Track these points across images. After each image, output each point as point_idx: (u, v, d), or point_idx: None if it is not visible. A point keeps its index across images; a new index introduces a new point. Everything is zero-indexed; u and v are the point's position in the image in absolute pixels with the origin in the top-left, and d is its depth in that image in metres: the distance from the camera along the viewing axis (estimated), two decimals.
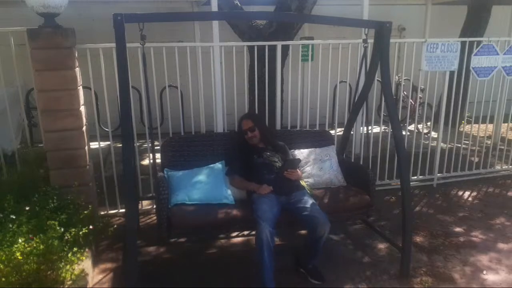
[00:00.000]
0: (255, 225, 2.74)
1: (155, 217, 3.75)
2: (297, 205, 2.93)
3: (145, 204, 4.15)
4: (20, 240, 2.42)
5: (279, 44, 3.97)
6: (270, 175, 3.13)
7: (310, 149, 3.61)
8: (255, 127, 3.30)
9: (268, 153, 3.28)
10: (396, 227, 3.67)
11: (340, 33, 6.99)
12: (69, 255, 2.58)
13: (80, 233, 2.77)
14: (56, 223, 2.64)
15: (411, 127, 5.94)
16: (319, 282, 2.94)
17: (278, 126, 4.21)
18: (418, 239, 3.58)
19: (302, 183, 3.25)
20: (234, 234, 3.65)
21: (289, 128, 4.24)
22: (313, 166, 3.48)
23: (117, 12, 2.38)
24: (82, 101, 3.36)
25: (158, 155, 3.40)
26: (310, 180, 3.40)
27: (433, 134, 5.42)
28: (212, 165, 3.29)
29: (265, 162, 3.22)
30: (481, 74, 4.59)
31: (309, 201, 2.95)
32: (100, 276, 3.03)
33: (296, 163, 3.21)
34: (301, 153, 3.57)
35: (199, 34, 6.81)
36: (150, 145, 3.65)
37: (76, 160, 3.34)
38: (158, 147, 3.56)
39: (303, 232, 3.58)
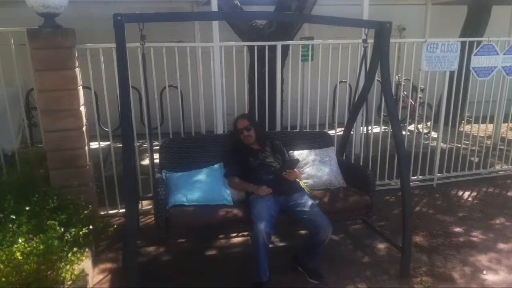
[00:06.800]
0: (251, 226, 2.76)
1: None
2: (298, 207, 2.92)
3: (145, 204, 4.14)
4: (20, 240, 2.42)
5: (279, 44, 3.97)
6: (268, 176, 3.12)
7: (309, 150, 3.60)
8: (251, 126, 3.30)
9: (264, 154, 3.28)
10: (396, 227, 3.67)
11: (340, 33, 6.99)
12: (69, 255, 2.58)
13: (80, 233, 2.76)
14: (56, 223, 2.64)
15: (411, 127, 5.93)
16: (317, 281, 2.94)
17: (278, 127, 4.20)
18: (418, 239, 3.58)
19: (302, 184, 3.25)
20: (234, 234, 3.64)
21: (289, 128, 4.24)
22: (313, 167, 3.47)
23: (117, 12, 2.39)
24: (82, 101, 3.36)
25: (157, 155, 3.40)
26: (310, 181, 3.39)
27: (433, 134, 5.42)
28: (210, 166, 3.29)
29: (262, 163, 3.21)
30: (481, 74, 4.58)
31: (310, 204, 2.93)
32: (100, 276, 3.03)
33: (294, 163, 3.21)
34: (300, 154, 3.56)
35: (199, 34, 6.81)
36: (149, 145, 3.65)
37: (76, 160, 3.34)
38: (158, 147, 3.56)
39: (303, 232, 3.58)
